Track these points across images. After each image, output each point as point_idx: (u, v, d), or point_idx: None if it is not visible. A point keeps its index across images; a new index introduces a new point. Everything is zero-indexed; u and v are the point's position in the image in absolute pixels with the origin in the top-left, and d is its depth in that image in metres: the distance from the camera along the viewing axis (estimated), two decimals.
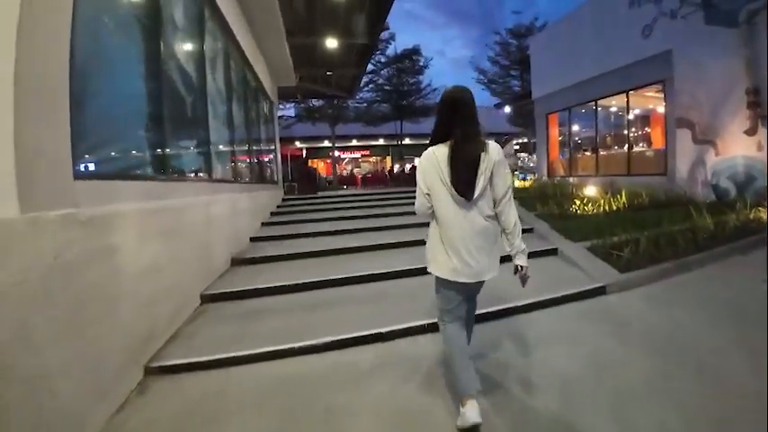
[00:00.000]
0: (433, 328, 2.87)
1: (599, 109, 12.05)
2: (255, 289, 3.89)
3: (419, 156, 2.16)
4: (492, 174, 1.87)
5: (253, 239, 6.02)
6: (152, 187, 3.11)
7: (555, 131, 13.66)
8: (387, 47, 20.81)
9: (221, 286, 4.00)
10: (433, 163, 1.90)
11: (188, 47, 4.25)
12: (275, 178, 10.29)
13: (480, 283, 2.01)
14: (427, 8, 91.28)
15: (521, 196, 8.82)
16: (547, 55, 13.40)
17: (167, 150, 3.49)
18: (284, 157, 17.15)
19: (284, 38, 8.19)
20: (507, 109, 19.02)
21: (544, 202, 7.34)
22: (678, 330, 2.91)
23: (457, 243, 1.89)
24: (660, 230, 5.17)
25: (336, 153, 28.22)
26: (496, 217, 1.96)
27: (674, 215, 5.95)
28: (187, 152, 4.00)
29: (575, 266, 4.31)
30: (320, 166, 26.47)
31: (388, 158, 30.08)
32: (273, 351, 2.73)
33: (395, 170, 23.68)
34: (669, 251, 4.53)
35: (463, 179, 1.85)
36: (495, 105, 21.56)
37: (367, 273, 4.08)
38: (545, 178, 12.53)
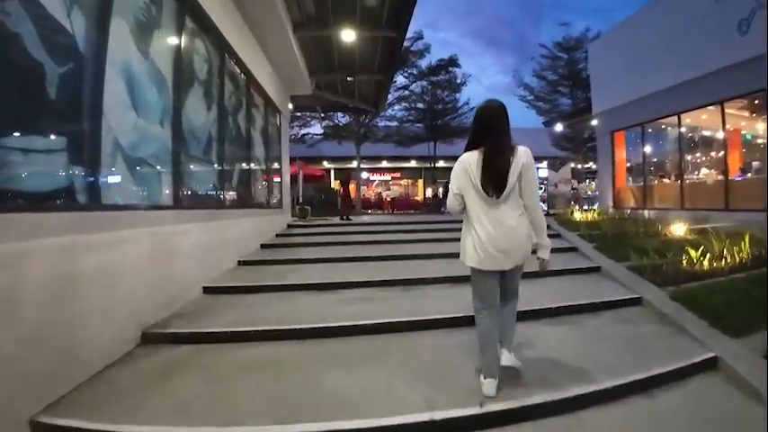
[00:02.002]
0: None
1: (683, 125, 9.60)
2: None
3: None
4: (520, 175, 2.08)
5: (208, 290, 4.16)
6: None
7: (622, 153, 11.24)
8: (420, 59, 19.04)
9: (73, 409, 2.09)
10: (464, 167, 2.16)
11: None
12: (278, 201, 8.56)
13: (511, 272, 2.21)
14: (462, 36, 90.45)
15: (590, 234, 6.52)
16: (611, 61, 11.17)
17: None
18: (304, 177, 15.61)
19: (289, 32, 6.58)
20: (559, 127, 16.60)
21: (639, 249, 5.05)
22: None
23: (484, 236, 2.11)
24: None
25: (365, 175, 26.66)
26: (526, 213, 2.16)
27: None
28: (24, 159, 2.21)
29: None
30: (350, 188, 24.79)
31: (420, 181, 28.12)
32: None
33: (428, 195, 21.38)
34: None
35: (491, 181, 2.08)
36: (543, 123, 19.21)
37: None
38: (611, 210, 10.08)
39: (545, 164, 22.94)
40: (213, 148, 4.87)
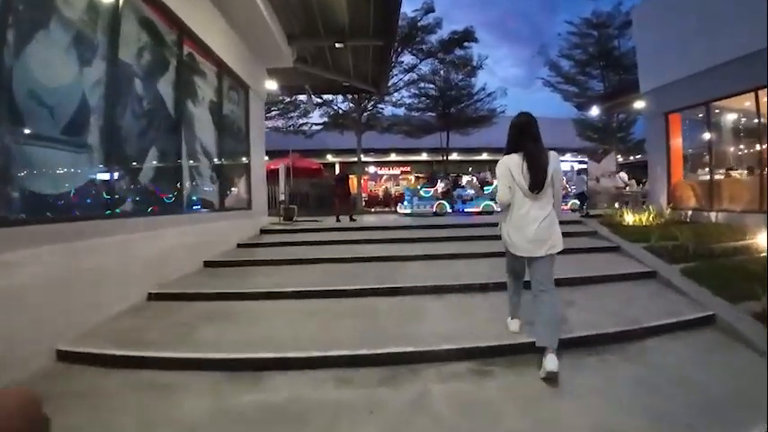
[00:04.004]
0: None
1: (762, 103, 7.47)
2: None
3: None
4: (553, 174, 2.44)
5: (63, 357, 2.51)
6: None
7: (678, 140, 9.13)
8: (430, 34, 16.70)
9: None
10: (508, 168, 2.48)
11: None
12: (245, 200, 6.82)
13: (545, 259, 2.44)
14: (476, 29, 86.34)
15: (664, 247, 4.57)
16: (667, 26, 9.00)
17: None
18: (298, 171, 13.90)
19: None
20: (595, 111, 14.39)
21: (752, 277, 3.17)
22: None
23: (524, 226, 2.45)
24: None
25: (372, 169, 24.79)
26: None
27: None
28: None
29: None
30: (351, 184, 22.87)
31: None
32: None
33: (440, 190, 19.29)
34: None
35: (536, 179, 2.41)
36: (576, 107, 16.94)
37: None
38: (668, 211, 8.02)
39: (568, 155, 20.73)
40: (94, 125, 3.12)
